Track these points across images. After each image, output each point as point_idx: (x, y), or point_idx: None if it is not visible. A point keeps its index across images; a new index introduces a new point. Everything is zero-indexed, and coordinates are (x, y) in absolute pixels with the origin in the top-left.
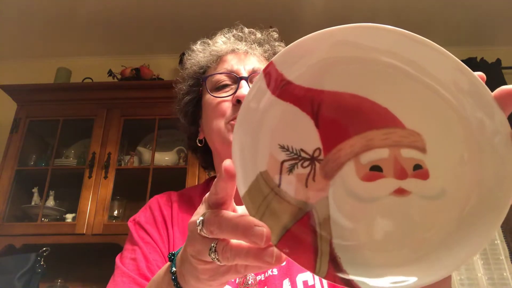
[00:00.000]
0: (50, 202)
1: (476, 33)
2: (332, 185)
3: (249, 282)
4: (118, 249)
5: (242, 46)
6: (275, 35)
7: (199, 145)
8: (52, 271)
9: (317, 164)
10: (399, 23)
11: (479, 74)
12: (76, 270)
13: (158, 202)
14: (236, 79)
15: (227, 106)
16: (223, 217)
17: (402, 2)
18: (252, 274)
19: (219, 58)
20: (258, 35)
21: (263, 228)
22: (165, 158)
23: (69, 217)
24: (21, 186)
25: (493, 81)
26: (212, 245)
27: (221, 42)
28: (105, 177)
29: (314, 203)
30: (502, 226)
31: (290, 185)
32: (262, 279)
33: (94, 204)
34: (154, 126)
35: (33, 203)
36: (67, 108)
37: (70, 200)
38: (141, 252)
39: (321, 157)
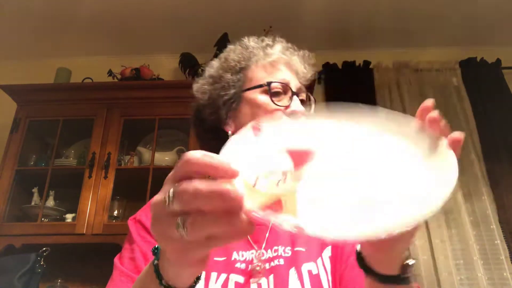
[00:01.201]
0: (50, 202)
1: (476, 33)
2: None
3: (257, 269)
4: (118, 249)
5: (296, 62)
6: (312, 60)
7: (230, 134)
8: (52, 271)
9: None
10: (399, 23)
11: None
12: (76, 270)
13: None
14: (288, 91)
15: (279, 114)
16: (198, 182)
17: (402, 2)
18: (260, 263)
19: (273, 64)
20: (305, 56)
21: (238, 191)
22: (165, 158)
23: (69, 217)
24: (21, 186)
25: (493, 81)
26: (179, 220)
27: (278, 48)
28: (105, 177)
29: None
30: (502, 226)
31: (263, 186)
32: (267, 268)
33: (94, 204)
34: (154, 126)
35: (33, 203)
36: (67, 108)
37: (70, 200)
38: (140, 251)
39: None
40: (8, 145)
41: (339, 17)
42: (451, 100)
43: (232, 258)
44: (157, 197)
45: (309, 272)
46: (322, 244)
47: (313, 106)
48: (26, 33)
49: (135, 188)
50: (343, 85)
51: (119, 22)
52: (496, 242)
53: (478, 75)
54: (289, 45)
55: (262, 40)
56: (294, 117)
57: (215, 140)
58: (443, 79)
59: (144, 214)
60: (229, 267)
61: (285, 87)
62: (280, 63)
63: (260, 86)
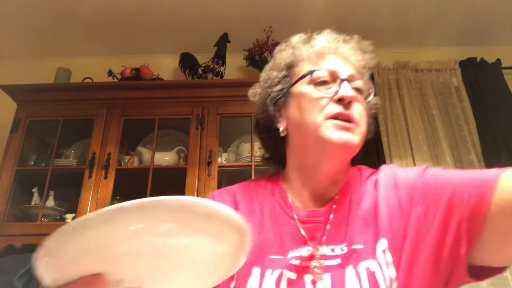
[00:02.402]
0: (50, 202)
1: (476, 33)
2: None
3: (313, 266)
4: None
5: (344, 51)
6: (369, 47)
7: (281, 135)
8: None
9: None
10: (399, 23)
11: None
12: None
13: (213, 198)
14: (337, 78)
15: (326, 103)
16: None
17: (402, 2)
18: (315, 261)
19: (319, 55)
20: (358, 43)
21: None
22: (165, 158)
23: (69, 217)
24: (21, 186)
25: (493, 81)
26: None
27: (323, 39)
28: (105, 177)
29: None
30: None
31: None
32: (323, 265)
33: (94, 204)
34: (154, 126)
35: (33, 203)
36: (67, 108)
37: (70, 200)
38: None
39: None
40: (8, 145)
41: (339, 17)
42: (451, 100)
43: (288, 257)
44: None
45: (367, 269)
46: (376, 237)
47: (372, 95)
48: (26, 33)
49: (135, 188)
50: None
51: (119, 22)
52: None
53: (478, 75)
54: (338, 34)
55: (309, 35)
56: (342, 104)
57: (270, 139)
58: (443, 79)
59: None
60: (283, 263)
61: (333, 75)
62: (326, 52)
63: (303, 76)
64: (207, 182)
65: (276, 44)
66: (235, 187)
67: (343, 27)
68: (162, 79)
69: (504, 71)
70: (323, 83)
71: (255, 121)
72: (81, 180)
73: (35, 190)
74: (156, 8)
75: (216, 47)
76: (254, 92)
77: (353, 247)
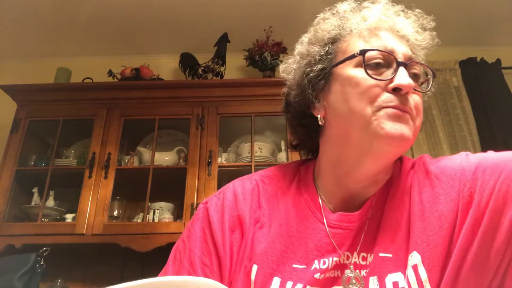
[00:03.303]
0: (50, 202)
1: (476, 33)
2: None
3: (349, 276)
4: (118, 249)
5: (402, 27)
6: (431, 24)
7: (320, 123)
8: (52, 271)
9: None
10: None
11: None
12: (76, 270)
13: (235, 192)
14: (394, 62)
15: (379, 92)
16: None
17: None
18: (350, 270)
19: (372, 30)
20: (419, 19)
21: None
22: (165, 158)
23: (69, 217)
24: (21, 186)
25: (493, 81)
26: None
27: (379, 12)
28: (105, 177)
29: None
30: None
31: None
32: (355, 274)
33: (94, 204)
34: (154, 126)
35: (33, 203)
36: (67, 108)
37: (70, 200)
38: (188, 270)
39: None
40: (8, 145)
41: None
42: (451, 100)
43: (312, 268)
44: None
45: (394, 284)
46: (406, 247)
47: (431, 80)
48: (26, 33)
49: (135, 188)
50: None
51: (119, 22)
52: None
53: (478, 75)
54: (395, 5)
55: (359, 3)
56: (397, 93)
57: (303, 127)
58: (443, 79)
59: (214, 203)
60: (307, 276)
61: (387, 57)
62: (381, 28)
63: (353, 56)
64: (207, 182)
65: (276, 44)
66: (260, 178)
67: None
68: (162, 79)
69: (504, 71)
70: (375, 66)
71: (285, 103)
72: (81, 180)
73: (35, 190)
74: (156, 8)
75: (216, 47)
76: (288, 68)
77: (381, 254)
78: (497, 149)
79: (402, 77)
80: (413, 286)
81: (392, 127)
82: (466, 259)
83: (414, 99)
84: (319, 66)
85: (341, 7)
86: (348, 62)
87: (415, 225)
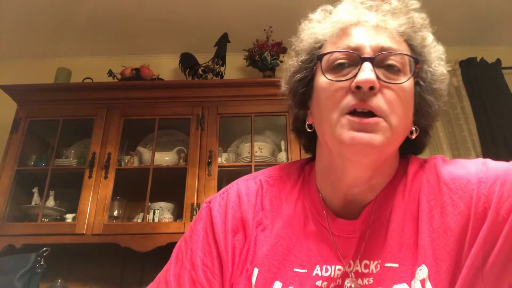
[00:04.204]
0: (50, 202)
1: (476, 33)
2: None
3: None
4: (118, 249)
5: (371, 18)
6: (414, 4)
7: (308, 130)
8: (52, 271)
9: None
10: None
11: None
12: (76, 270)
13: (239, 193)
14: (358, 59)
15: (342, 94)
16: None
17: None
18: (350, 280)
19: (340, 31)
20: (394, 3)
21: None
22: (165, 158)
23: (69, 217)
24: (21, 186)
25: (493, 81)
26: None
27: (345, 11)
28: (105, 177)
29: None
30: None
31: None
32: (356, 284)
33: (94, 204)
34: (154, 126)
35: (33, 203)
36: (67, 108)
37: (70, 200)
38: (189, 271)
39: None
40: (8, 145)
41: None
42: (451, 100)
43: (314, 273)
44: None
45: None
46: (415, 260)
47: (412, 68)
48: (26, 33)
49: (135, 188)
50: None
51: (119, 22)
52: None
53: (478, 75)
54: None
55: (332, 6)
56: (361, 94)
57: (302, 133)
58: None
59: (218, 203)
60: (308, 282)
61: (351, 56)
62: (351, 26)
63: (316, 63)
64: (207, 182)
65: (276, 44)
66: (265, 179)
67: None
68: (162, 79)
69: (504, 71)
70: (339, 67)
71: (288, 112)
72: (81, 180)
73: (35, 190)
74: (156, 8)
75: (216, 47)
76: (284, 81)
77: (387, 264)
78: (497, 149)
79: (361, 74)
80: None
81: (351, 136)
82: (477, 279)
83: (386, 94)
84: (299, 76)
85: (313, 15)
86: (317, 70)
87: (424, 236)
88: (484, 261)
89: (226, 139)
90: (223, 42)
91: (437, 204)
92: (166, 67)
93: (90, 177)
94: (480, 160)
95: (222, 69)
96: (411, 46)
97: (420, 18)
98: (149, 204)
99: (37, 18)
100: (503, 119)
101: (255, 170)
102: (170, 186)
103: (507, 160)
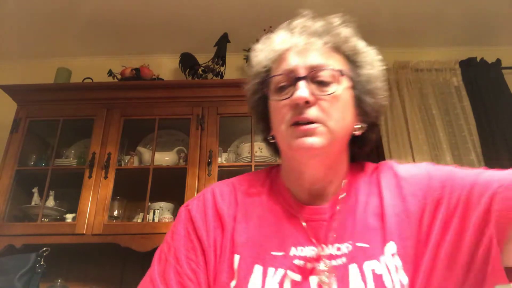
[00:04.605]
0: (50, 202)
1: (476, 33)
2: None
3: (321, 268)
4: (118, 249)
5: (300, 41)
6: (338, 21)
7: (272, 141)
8: (52, 271)
9: None
10: (399, 24)
11: None
12: (76, 270)
13: (213, 193)
14: (293, 79)
15: (287, 110)
16: None
17: (402, 2)
18: (322, 263)
19: (279, 57)
20: (316, 25)
21: None
22: (165, 158)
23: (69, 217)
24: (21, 186)
25: (493, 81)
26: None
27: (279, 40)
28: (105, 177)
29: None
30: None
31: None
32: (330, 266)
33: (94, 204)
34: (154, 126)
35: (33, 203)
36: (67, 108)
37: (70, 200)
38: (174, 266)
39: None
40: (8, 145)
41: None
42: (451, 100)
43: (291, 254)
44: None
45: (373, 271)
46: (383, 239)
47: (343, 81)
48: (26, 33)
49: (135, 188)
50: None
51: (119, 22)
52: None
53: (478, 75)
54: (299, 25)
55: (270, 34)
56: (299, 108)
57: (267, 142)
58: (443, 79)
59: (195, 205)
60: (287, 262)
61: (288, 77)
62: (286, 51)
63: (265, 86)
64: (207, 182)
65: None
66: (236, 181)
67: None
68: (162, 79)
69: (504, 71)
70: (282, 88)
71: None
72: (81, 180)
73: (35, 190)
74: (156, 8)
75: (216, 47)
76: (247, 100)
77: (358, 244)
78: (497, 149)
79: (296, 92)
80: (392, 272)
81: (297, 142)
82: (439, 254)
83: (322, 105)
84: (257, 96)
85: (257, 45)
86: (270, 91)
87: (389, 220)
88: (443, 239)
89: (226, 139)
90: (223, 42)
91: (398, 195)
92: (166, 67)
93: (90, 177)
94: (427, 163)
95: (222, 69)
96: (345, 55)
97: (345, 31)
98: (149, 204)
99: (37, 18)
100: (503, 119)
101: (255, 170)
102: (170, 186)
103: (507, 160)
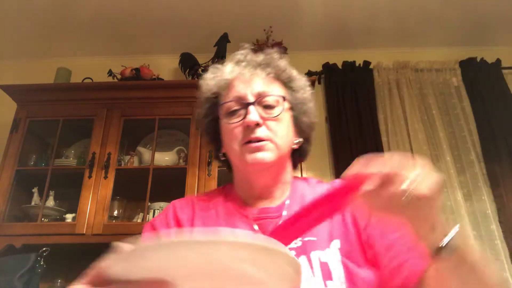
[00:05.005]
0: (50, 202)
1: (476, 33)
2: None
3: None
4: None
5: (246, 72)
6: (276, 55)
7: (222, 158)
8: (52, 271)
9: None
10: (399, 23)
11: None
12: (76, 270)
13: (174, 206)
14: (244, 104)
15: (239, 131)
16: None
17: (402, 2)
18: None
19: (228, 85)
20: (260, 58)
21: None
22: (165, 158)
23: (69, 217)
24: (21, 186)
25: (493, 81)
26: None
27: (228, 70)
28: (105, 177)
29: None
30: (502, 226)
31: None
32: None
33: (94, 204)
34: (154, 126)
35: (33, 203)
36: (67, 108)
37: (70, 200)
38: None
39: None
40: (8, 145)
41: (339, 17)
42: (451, 100)
43: None
44: None
45: (319, 259)
46: (331, 236)
47: (285, 104)
48: (26, 33)
49: (135, 188)
50: (343, 85)
51: (119, 22)
52: (496, 242)
53: (478, 75)
54: (246, 58)
55: (220, 66)
56: (251, 129)
57: (219, 159)
58: (443, 79)
59: (159, 218)
60: None
61: (239, 102)
62: (234, 80)
63: (216, 108)
64: (207, 182)
65: (276, 44)
66: (194, 197)
67: (343, 27)
68: (162, 79)
69: (504, 71)
70: (235, 112)
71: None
72: (81, 180)
73: (35, 190)
74: (156, 8)
75: (216, 47)
76: (199, 123)
77: (306, 239)
78: (497, 149)
79: (248, 116)
80: (335, 261)
81: (251, 158)
82: (369, 250)
83: (269, 125)
84: (209, 119)
85: (207, 75)
86: (222, 116)
87: (335, 220)
88: (369, 237)
89: None
90: (223, 42)
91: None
92: (166, 67)
93: (90, 177)
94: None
95: None
96: (283, 82)
97: (282, 63)
98: (149, 204)
99: (37, 18)
100: (503, 119)
101: None
102: (170, 186)
103: (507, 160)
